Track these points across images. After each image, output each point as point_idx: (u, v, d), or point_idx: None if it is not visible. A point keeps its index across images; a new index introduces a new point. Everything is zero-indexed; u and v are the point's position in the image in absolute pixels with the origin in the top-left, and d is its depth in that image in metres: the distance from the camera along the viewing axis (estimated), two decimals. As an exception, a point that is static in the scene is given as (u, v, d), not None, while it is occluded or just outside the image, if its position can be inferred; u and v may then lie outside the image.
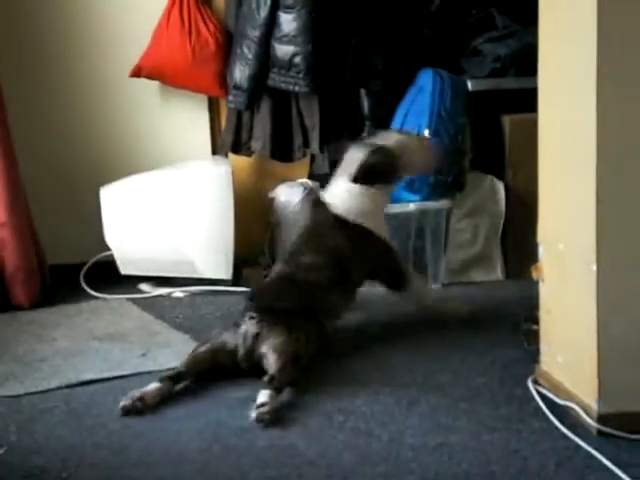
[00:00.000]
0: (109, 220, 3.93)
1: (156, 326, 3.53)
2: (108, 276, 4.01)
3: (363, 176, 3.31)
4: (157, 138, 4.26)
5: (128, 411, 2.72)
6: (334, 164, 4.08)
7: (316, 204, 3.42)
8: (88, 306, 3.80)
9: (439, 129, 3.87)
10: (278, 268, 3.27)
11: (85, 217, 4.06)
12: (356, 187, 3.32)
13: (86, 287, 3.99)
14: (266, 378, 2.76)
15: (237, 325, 2.94)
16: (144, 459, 2.46)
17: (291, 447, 2.50)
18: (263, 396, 2.67)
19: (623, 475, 2.26)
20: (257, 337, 2.89)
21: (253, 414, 2.62)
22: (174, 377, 2.85)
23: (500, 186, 4.00)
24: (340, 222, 3.30)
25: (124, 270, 3.97)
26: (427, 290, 3.70)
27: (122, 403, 2.74)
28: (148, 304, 3.81)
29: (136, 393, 2.76)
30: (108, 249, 3.99)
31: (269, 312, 2.95)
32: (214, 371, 2.92)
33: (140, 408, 2.73)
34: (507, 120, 3.97)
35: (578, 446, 2.43)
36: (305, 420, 2.65)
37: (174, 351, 3.22)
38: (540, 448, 2.44)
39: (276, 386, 2.72)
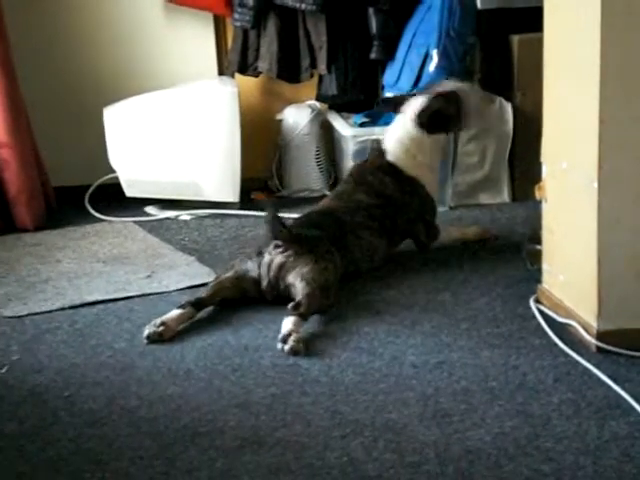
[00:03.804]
0: (113, 141, 3.91)
1: (162, 249, 3.53)
2: (114, 199, 4.01)
3: (426, 120, 3.24)
4: (162, 58, 4.22)
5: (152, 339, 2.69)
6: (341, 86, 4.08)
7: (376, 150, 3.32)
8: (93, 229, 3.80)
9: (448, 49, 3.83)
10: (327, 202, 3.25)
11: (90, 138, 4.04)
12: (417, 131, 3.26)
13: (91, 210, 3.99)
14: (291, 305, 2.73)
15: (261, 254, 2.89)
16: (149, 378, 2.49)
17: (295, 366, 2.52)
18: (288, 323, 2.65)
19: (620, 390, 2.29)
20: (283, 267, 2.85)
21: (286, 346, 2.58)
22: (196, 303, 2.81)
23: (508, 107, 3.95)
24: (395, 170, 3.25)
25: (129, 192, 3.96)
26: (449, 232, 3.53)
27: (146, 332, 2.70)
28: (154, 227, 3.82)
29: (158, 320, 2.73)
30: (113, 171, 3.97)
31: (296, 241, 2.89)
32: (238, 298, 2.90)
33: (163, 335, 2.70)
34: (516, 40, 3.91)
35: (577, 362, 2.46)
36: (309, 340, 2.66)
37: (179, 273, 3.24)
38: (539, 364, 2.47)
39: (302, 312, 2.69)
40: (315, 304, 2.76)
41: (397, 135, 3.28)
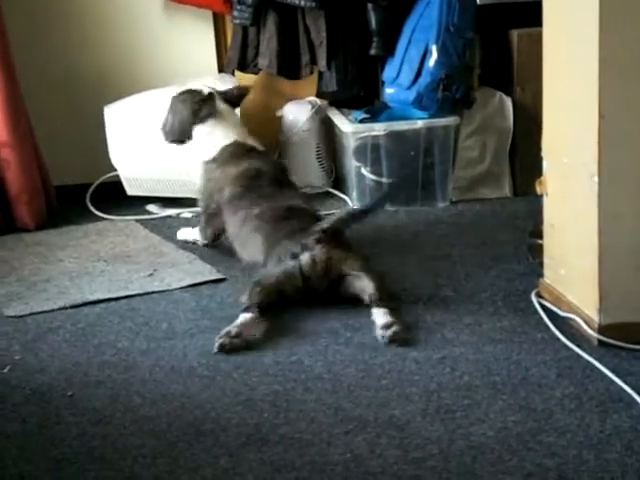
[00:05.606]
0: (114, 139, 3.91)
1: (163, 247, 3.53)
2: (115, 197, 4.00)
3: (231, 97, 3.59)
4: (162, 56, 4.21)
5: (227, 349, 2.61)
6: (341, 82, 4.08)
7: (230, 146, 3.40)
8: (95, 227, 3.79)
9: (447, 44, 3.82)
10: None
11: (90, 137, 4.03)
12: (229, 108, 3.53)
13: (92, 208, 3.97)
14: (373, 298, 2.76)
15: (296, 256, 2.84)
16: (152, 376, 2.49)
17: (297, 363, 2.52)
18: (382, 315, 2.70)
19: (622, 384, 2.29)
20: (331, 259, 2.84)
21: (386, 334, 2.62)
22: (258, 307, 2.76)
23: (508, 102, 3.95)
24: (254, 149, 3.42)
25: (130, 191, 3.97)
26: None
27: (219, 341, 2.61)
28: (156, 225, 3.81)
29: (233, 329, 2.66)
30: (114, 169, 3.97)
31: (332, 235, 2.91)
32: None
33: (240, 344, 2.63)
34: (515, 34, 3.90)
35: (579, 356, 2.46)
36: (312, 337, 2.67)
37: (181, 271, 3.24)
38: (541, 359, 2.47)
39: (386, 304, 2.74)
40: (387, 291, 2.83)
41: (226, 123, 3.45)
